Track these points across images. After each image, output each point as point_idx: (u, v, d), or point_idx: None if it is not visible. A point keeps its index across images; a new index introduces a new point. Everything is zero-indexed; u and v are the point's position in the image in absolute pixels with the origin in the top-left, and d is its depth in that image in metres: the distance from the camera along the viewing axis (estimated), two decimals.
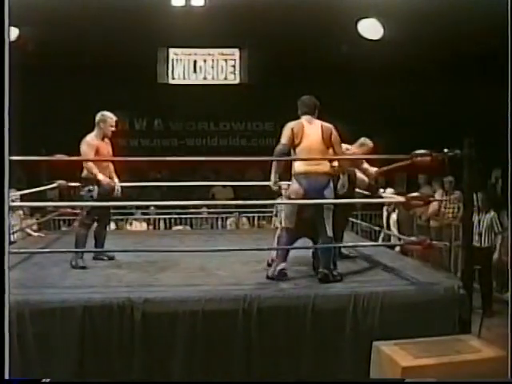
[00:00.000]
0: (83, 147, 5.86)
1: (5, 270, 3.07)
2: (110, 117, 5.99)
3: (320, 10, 9.18)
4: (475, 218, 7.89)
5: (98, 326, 4.37)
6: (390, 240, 8.95)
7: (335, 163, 5.24)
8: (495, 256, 8.01)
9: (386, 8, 9.41)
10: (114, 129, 6.01)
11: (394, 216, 9.08)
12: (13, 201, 7.12)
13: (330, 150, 5.14)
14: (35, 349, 4.31)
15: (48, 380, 3.61)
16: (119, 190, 6.13)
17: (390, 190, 8.85)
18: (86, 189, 5.82)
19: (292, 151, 5.12)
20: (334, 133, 5.14)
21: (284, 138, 5.11)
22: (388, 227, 9.21)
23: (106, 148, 6.00)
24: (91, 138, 5.90)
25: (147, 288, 4.79)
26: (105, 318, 4.38)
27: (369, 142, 6.00)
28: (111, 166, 6.17)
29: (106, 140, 6.03)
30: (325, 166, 5.10)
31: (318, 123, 5.16)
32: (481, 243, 7.89)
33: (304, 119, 5.19)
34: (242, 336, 4.45)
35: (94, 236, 6.09)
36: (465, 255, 5.04)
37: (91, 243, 6.02)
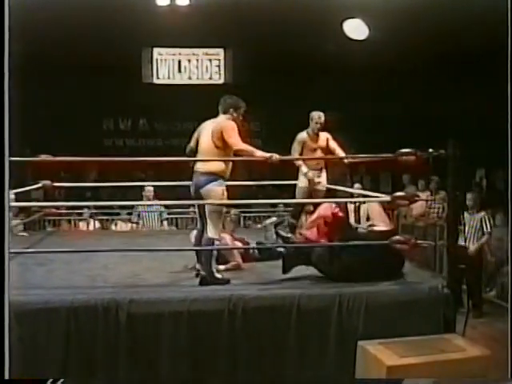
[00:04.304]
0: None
1: (5, 270, 3.05)
2: (319, 115, 6.66)
3: (305, 10, 9.19)
4: (464, 218, 7.90)
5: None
6: None
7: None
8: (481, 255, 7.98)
9: (372, 8, 9.43)
10: (319, 126, 6.70)
11: (365, 206, 8.95)
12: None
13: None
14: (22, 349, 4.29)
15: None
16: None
17: (357, 186, 8.92)
18: None
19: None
20: (226, 132, 5.10)
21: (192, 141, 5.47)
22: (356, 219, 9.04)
23: (317, 143, 6.68)
24: (301, 136, 6.63)
25: None
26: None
27: None
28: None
29: (322, 136, 6.72)
30: (210, 166, 5.14)
31: (215, 123, 5.25)
32: (469, 243, 7.87)
33: (213, 120, 5.35)
34: (227, 336, 4.45)
35: None
36: (450, 254, 5.06)
37: None
